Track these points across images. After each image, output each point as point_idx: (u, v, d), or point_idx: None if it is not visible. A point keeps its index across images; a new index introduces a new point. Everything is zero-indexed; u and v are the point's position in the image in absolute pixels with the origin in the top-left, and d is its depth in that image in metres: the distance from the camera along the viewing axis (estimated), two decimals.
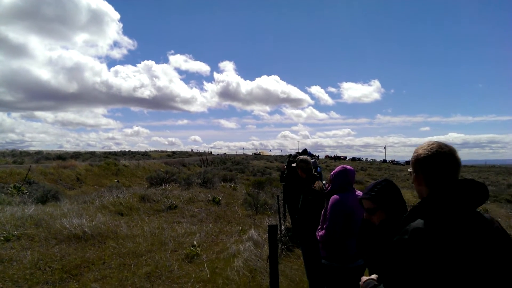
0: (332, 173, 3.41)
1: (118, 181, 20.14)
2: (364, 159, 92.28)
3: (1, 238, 5.74)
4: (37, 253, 5.32)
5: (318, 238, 3.33)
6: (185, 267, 5.19)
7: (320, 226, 3.37)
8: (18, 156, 33.35)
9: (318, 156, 69.02)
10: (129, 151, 65.56)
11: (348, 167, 3.42)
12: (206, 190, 12.55)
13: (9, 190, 13.06)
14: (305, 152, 7.79)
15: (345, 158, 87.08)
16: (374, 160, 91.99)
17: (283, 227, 6.83)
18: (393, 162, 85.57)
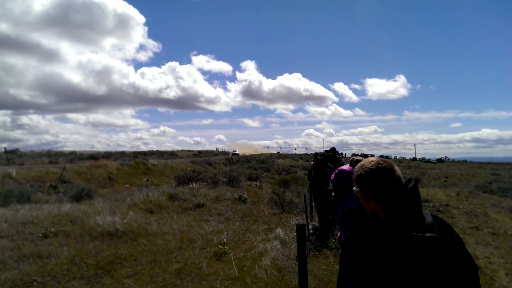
0: (332, 178, 3.32)
1: (147, 180, 20.70)
2: (393, 157, 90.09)
3: (40, 234, 6.04)
4: (73, 249, 5.57)
5: (340, 245, 3.29)
6: (214, 264, 5.28)
7: (339, 233, 3.32)
8: (53, 156, 34.84)
9: (345, 154, 67.80)
10: (157, 150, 67.01)
11: (346, 167, 3.33)
12: (232, 188, 12.67)
13: (46, 189, 13.73)
14: (333, 150, 7.72)
15: (372, 156, 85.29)
16: (404, 158, 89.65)
17: (310, 226, 6.81)
18: (423, 160, 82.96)
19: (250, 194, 11.88)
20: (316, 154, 8.24)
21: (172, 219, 7.94)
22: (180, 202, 9.78)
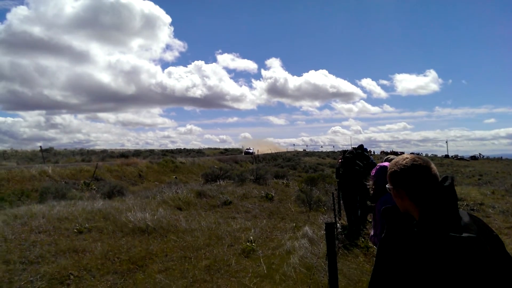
0: (372, 173, 3.23)
1: (176, 177, 21.11)
2: (424, 154, 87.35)
3: (75, 230, 6.28)
4: (106, 244, 5.75)
5: (374, 244, 3.20)
6: (242, 261, 5.30)
7: (372, 232, 3.23)
8: (86, 155, 36.20)
9: (373, 151, 66.26)
10: (184, 148, 68.25)
11: (387, 164, 3.24)
12: (259, 186, 12.70)
13: (80, 186, 14.28)
14: (361, 148, 7.58)
15: (402, 153, 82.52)
16: (435, 156, 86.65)
17: (338, 224, 6.71)
18: (456, 157, 79.81)
19: (277, 192, 11.86)
20: (343, 151, 8.11)
21: (200, 216, 8.04)
22: (208, 200, 9.89)
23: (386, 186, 1.54)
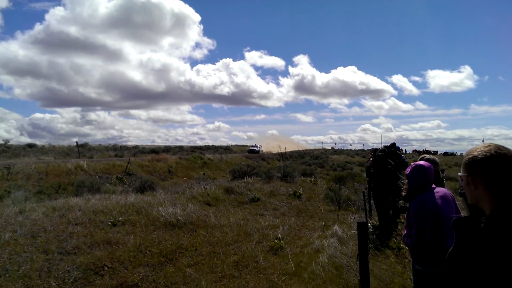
0: (407, 172, 3.12)
1: (204, 173, 21.41)
2: (459, 154, 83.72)
3: (109, 223, 6.49)
4: (138, 237, 5.91)
5: (406, 245, 3.09)
6: (270, 258, 5.30)
7: (405, 232, 3.12)
8: (119, 150, 37.43)
9: (405, 150, 64.23)
10: (212, 145, 69.22)
11: (423, 163, 3.11)
12: (287, 184, 12.64)
13: (113, 181, 14.77)
14: (393, 146, 7.37)
15: (435, 152, 79.65)
16: None
17: (369, 224, 6.57)
18: None
19: (304, 189, 11.77)
20: (374, 150, 7.92)
21: (228, 212, 8.11)
22: (236, 196, 9.96)
23: (459, 174, 1.49)
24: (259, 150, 50.73)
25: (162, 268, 4.91)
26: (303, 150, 63.91)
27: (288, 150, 54.90)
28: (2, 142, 41.09)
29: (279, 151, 51.26)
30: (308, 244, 5.95)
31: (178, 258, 5.24)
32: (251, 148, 52.18)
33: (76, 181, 12.73)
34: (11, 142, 42.53)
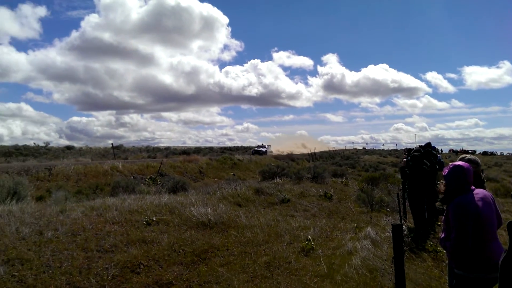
0: (445, 173, 2.99)
1: (234, 174, 21.61)
2: (499, 153, 79.58)
3: (144, 222, 6.68)
4: (172, 236, 6.06)
5: (444, 248, 2.98)
6: (302, 260, 5.27)
7: (443, 235, 3.00)
8: (151, 152, 38.58)
9: (441, 150, 61.72)
10: (241, 146, 69.66)
11: (462, 163, 2.98)
12: (317, 185, 12.52)
13: (147, 181, 15.21)
14: (429, 146, 7.12)
15: (474, 152, 75.85)
16: None
17: (404, 227, 6.38)
18: None
19: (335, 191, 11.61)
20: (408, 150, 7.69)
21: (259, 212, 8.14)
22: (266, 197, 9.98)
23: None
24: (266, 151, 44.82)
25: (195, 267, 5.01)
26: (333, 150, 62.64)
27: (313, 151, 50.91)
28: (43, 145, 43.57)
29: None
30: (340, 246, 5.87)
31: (210, 258, 5.32)
32: (256, 149, 45.94)
33: (112, 182, 13.22)
34: (51, 145, 45.00)
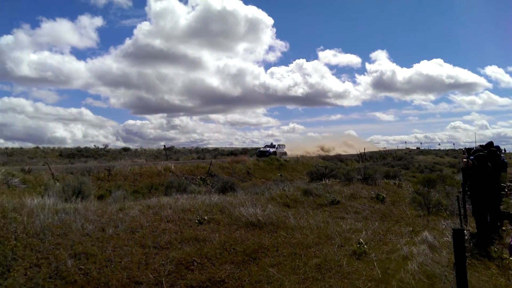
0: None
1: (281, 175, 21.61)
2: None
3: (196, 221, 6.90)
4: (223, 235, 6.19)
5: (511, 255, 2.75)
6: (354, 263, 5.14)
7: None
8: (201, 153, 39.80)
9: (505, 149, 56.91)
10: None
11: None
12: (368, 186, 12.13)
13: (197, 181, 15.70)
14: (491, 145, 6.62)
15: None
16: None
17: (465, 231, 5.98)
18: None
19: (388, 193, 11.17)
20: (468, 149, 7.20)
21: (308, 214, 8.06)
22: (314, 198, 9.86)
23: None
24: (274, 151, 35.56)
25: (246, 266, 5.08)
26: (384, 151, 59.99)
27: (356, 151, 46.65)
28: (102, 147, 46.83)
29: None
30: (395, 250, 5.64)
31: (261, 258, 5.37)
32: (262, 149, 37.61)
33: (166, 182, 13.83)
34: (109, 147, 48.21)
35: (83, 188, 8.51)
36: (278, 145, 39.19)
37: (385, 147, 69.79)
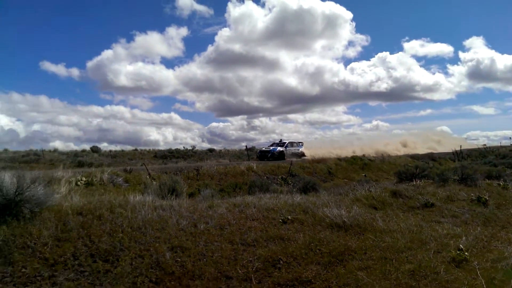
0: None
1: (365, 175, 20.75)
2: None
3: (280, 220, 7.00)
4: (307, 236, 6.18)
5: None
6: (453, 271, 4.70)
7: None
8: None
9: None
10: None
11: None
12: (466, 188, 10.97)
13: (279, 181, 15.91)
14: None
15: None
16: None
17: None
18: None
19: (491, 195, 9.96)
20: None
21: (398, 217, 7.61)
22: (404, 200, 9.25)
23: None
24: (281, 152, 27.65)
25: (332, 268, 5.00)
26: (484, 148, 53.42)
27: (443, 149, 40.62)
28: (190, 148, 50.31)
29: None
30: (502, 258, 5.02)
31: (348, 260, 5.23)
32: (264, 149, 29.62)
33: (249, 181, 14.30)
34: (196, 148, 51.64)
35: (176, 187, 9.23)
36: (290, 142, 30.46)
37: (485, 144, 61.42)
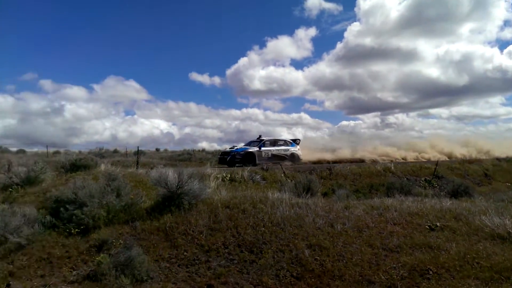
0: None
1: None
2: None
3: (426, 226, 6.35)
4: (461, 246, 5.44)
5: None
6: None
7: None
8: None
9: None
10: None
11: None
12: None
13: (421, 183, 14.50)
14: None
15: None
16: None
17: None
18: None
19: None
20: None
21: None
22: None
23: None
24: (250, 153, 19.17)
25: (496, 285, 4.30)
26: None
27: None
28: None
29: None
30: None
31: None
32: (225, 150, 21.15)
33: (386, 182, 13.45)
34: None
35: (311, 186, 9.35)
36: (272, 140, 21.20)
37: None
